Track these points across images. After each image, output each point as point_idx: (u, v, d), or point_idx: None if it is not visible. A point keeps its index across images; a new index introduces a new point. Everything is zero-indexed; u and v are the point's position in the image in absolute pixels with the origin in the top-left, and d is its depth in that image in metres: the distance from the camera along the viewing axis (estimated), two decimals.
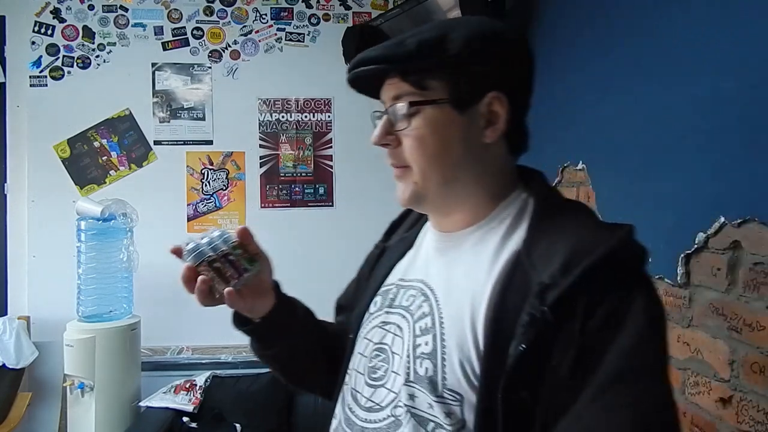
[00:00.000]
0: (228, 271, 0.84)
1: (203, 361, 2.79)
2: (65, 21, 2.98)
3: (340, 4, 3.13)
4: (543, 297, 0.65)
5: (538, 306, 0.65)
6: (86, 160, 3.01)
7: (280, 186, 3.12)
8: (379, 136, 0.79)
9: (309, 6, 3.12)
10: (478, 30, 0.76)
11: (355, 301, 0.96)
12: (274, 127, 3.11)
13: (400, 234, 0.96)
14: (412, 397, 0.74)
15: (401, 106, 0.76)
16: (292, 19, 3.12)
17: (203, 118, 3.08)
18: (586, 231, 0.70)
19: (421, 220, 0.93)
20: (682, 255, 1.38)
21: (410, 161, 0.78)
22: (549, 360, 0.64)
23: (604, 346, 0.63)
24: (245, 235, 0.85)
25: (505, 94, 0.77)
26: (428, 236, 0.88)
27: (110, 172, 3.03)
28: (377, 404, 0.78)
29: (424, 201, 0.80)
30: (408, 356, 0.76)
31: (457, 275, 0.78)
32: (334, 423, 0.86)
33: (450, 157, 0.77)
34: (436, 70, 0.75)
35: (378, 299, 0.88)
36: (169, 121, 3.06)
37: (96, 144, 3.01)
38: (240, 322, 0.92)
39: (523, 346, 0.64)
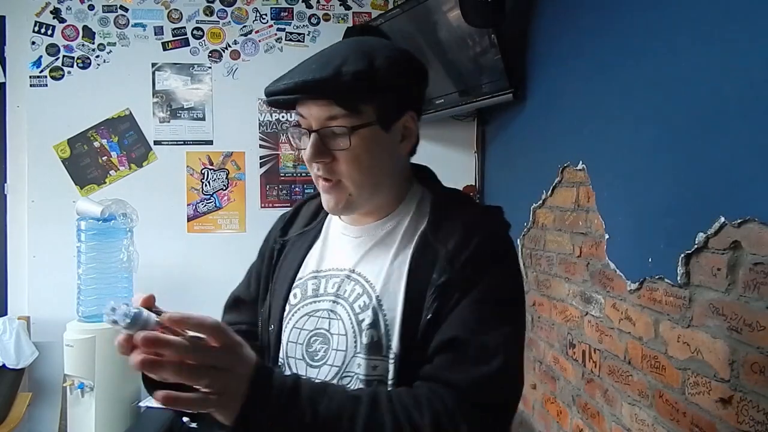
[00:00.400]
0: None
1: None
2: (65, 21, 2.98)
3: (340, 4, 3.13)
4: (452, 261, 0.85)
5: (447, 268, 0.85)
6: (86, 160, 3.01)
7: (280, 186, 3.12)
8: (316, 154, 0.86)
9: (309, 6, 3.12)
10: (394, 57, 0.88)
11: (262, 295, 1.03)
12: (274, 127, 3.11)
13: (298, 229, 1.05)
14: (358, 365, 0.87)
15: (339, 129, 0.84)
16: (292, 19, 3.12)
17: (203, 118, 3.08)
18: (473, 214, 0.93)
19: (320, 215, 1.04)
20: (682, 255, 1.38)
21: (345, 176, 0.88)
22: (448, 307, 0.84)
23: (475, 286, 0.85)
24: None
25: (415, 111, 0.93)
26: (335, 229, 1.01)
27: (110, 172, 3.03)
28: (322, 381, 0.86)
29: (355, 208, 0.92)
30: (353, 330, 0.89)
31: (380, 258, 0.92)
32: None
33: (379, 169, 0.90)
34: (367, 96, 0.85)
35: (297, 291, 0.97)
36: (169, 121, 3.06)
37: (96, 144, 3.01)
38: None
39: (430, 314, 0.83)
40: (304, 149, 0.88)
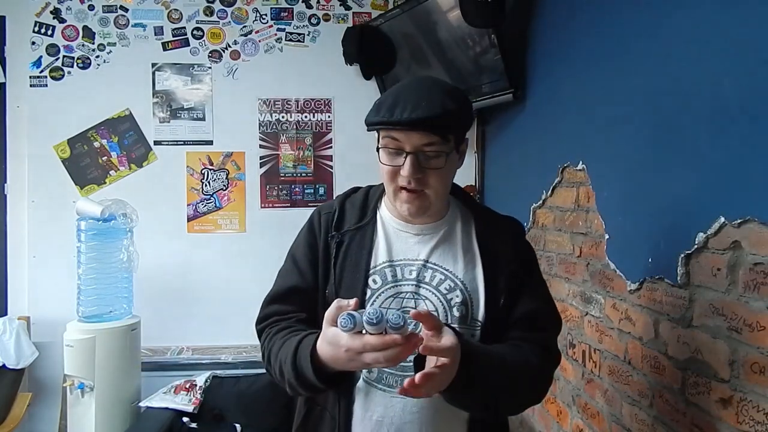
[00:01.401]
0: None
1: (203, 362, 2.79)
2: (65, 21, 2.98)
3: (340, 4, 3.13)
4: (514, 255, 1.18)
5: (513, 261, 1.17)
6: (86, 161, 3.01)
7: (280, 186, 3.12)
8: (415, 171, 1.08)
9: (309, 6, 3.12)
10: (464, 96, 1.14)
11: (322, 282, 1.17)
12: (274, 127, 3.11)
13: (351, 224, 1.20)
14: None
15: (434, 153, 1.08)
16: (292, 20, 3.12)
17: (203, 118, 3.08)
18: (504, 219, 1.27)
19: (369, 212, 1.21)
20: (682, 255, 1.38)
21: (431, 188, 1.10)
22: (516, 290, 1.17)
23: (530, 276, 1.21)
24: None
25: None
26: (390, 225, 1.20)
27: (110, 172, 3.03)
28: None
29: (426, 212, 1.15)
30: (444, 307, 1.12)
31: (451, 252, 1.17)
32: (373, 375, 1.11)
33: (450, 183, 1.18)
34: (453, 127, 1.09)
35: (376, 277, 1.14)
36: (169, 122, 3.06)
37: (96, 144, 3.01)
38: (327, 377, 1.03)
39: (504, 295, 1.14)
40: (397, 166, 1.09)
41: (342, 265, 1.16)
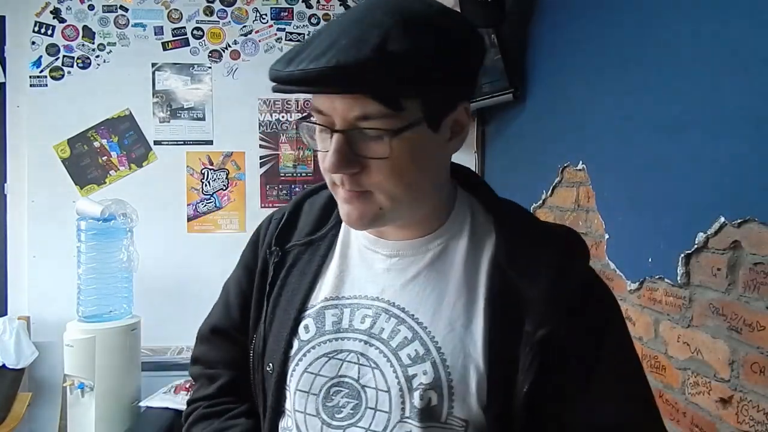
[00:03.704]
0: None
1: None
2: (65, 21, 2.98)
3: (340, 4, 3.12)
4: (551, 307, 0.67)
5: (547, 317, 0.67)
6: (86, 160, 3.01)
7: (281, 186, 3.12)
8: (341, 163, 0.64)
9: (309, 6, 3.11)
10: (448, 26, 0.65)
11: (253, 322, 0.82)
12: (274, 127, 3.11)
13: (303, 235, 0.81)
14: None
15: (374, 132, 0.63)
16: (292, 19, 3.11)
17: (203, 118, 3.08)
18: (554, 239, 0.74)
19: (332, 217, 0.80)
20: (682, 255, 1.38)
21: (377, 187, 0.66)
22: (553, 374, 0.67)
23: (599, 351, 0.70)
24: None
25: (468, 101, 0.71)
26: (358, 240, 0.78)
27: (110, 172, 3.03)
28: None
29: (385, 222, 0.71)
30: (399, 387, 0.69)
31: (435, 291, 0.72)
32: None
33: (423, 179, 0.69)
34: (415, 87, 0.63)
35: (309, 323, 0.75)
36: (169, 121, 3.06)
37: (96, 144, 3.01)
38: None
39: (531, 380, 0.66)
40: (323, 152, 0.67)
41: (276, 299, 0.79)
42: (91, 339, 2.46)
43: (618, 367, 0.71)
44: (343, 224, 0.79)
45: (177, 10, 3.05)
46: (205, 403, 0.84)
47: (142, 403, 2.54)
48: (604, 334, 0.70)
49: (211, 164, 3.09)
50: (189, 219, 3.07)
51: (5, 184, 2.98)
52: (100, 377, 2.46)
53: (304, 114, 0.63)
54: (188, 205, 3.07)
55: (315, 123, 0.66)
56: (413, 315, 0.71)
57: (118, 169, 3.04)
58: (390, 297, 0.73)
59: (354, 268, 0.77)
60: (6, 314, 2.89)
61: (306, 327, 0.75)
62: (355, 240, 0.79)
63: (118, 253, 2.61)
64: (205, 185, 3.08)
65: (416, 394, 0.68)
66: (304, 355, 0.74)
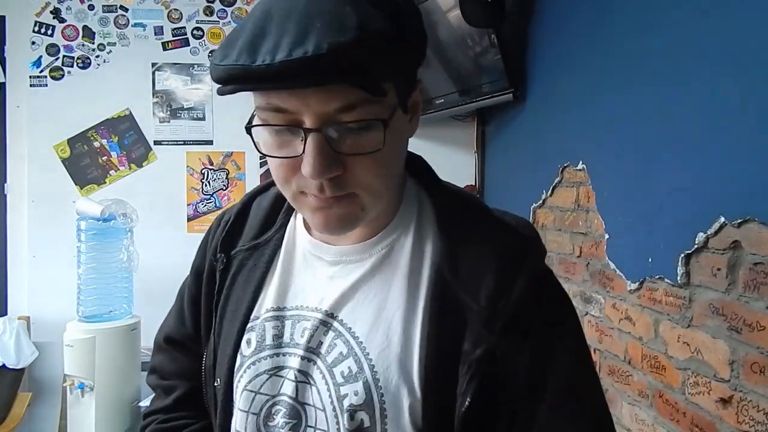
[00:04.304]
0: None
1: None
2: (65, 21, 2.98)
3: None
4: (491, 323, 0.61)
5: (485, 334, 0.61)
6: (86, 160, 3.01)
7: None
8: (325, 167, 0.55)
9: None
10: (396, 2, 0.58)
11: (204, 333, 0.76)
12: None
13: (248, 239, 0.75)
14: None
15: (361, 124, 0.56)
16: None
17: (203, 118, 3.08)
18: (500, 235, 0.66)
19: (279, 219, 0.74)
20: (682, 255, 1.38)
21: (363, 187, 0.59)
22: (494, 393, 0.61)
23: (545, 369, 0.62)
24: None
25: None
26: (302, 245, 0.71)
27: (110, 172, 3.03)
28: None
29: (360, 224, 0.64)
30: (333, 409, 0.64)
31: (374, 302, 0.65)
32: None
33: (400, 168, 0.64)
34: (392, 69, 0.56)
35: (251, 336, 0.69)
36: (169, 121, 3.06)
37: (96, 144, 3.01)
38: None
39: (468, 400, 0.60)
40: (292, 158, 0.58)
41: (223, 309, 0.73)
42: (91, 339, 2.46)
43: (568, 384, 0.62)
44: (288, 227, 0.74)
45: (177, 10, 3.05)
46: (162, 416, 0.80)
47: (142, 403, 2.54)
48: (550, 352, 0.62)
49: (211, 164, 3.09)
50: (189, 219, 3.07)
51: (5, 184, 2.98)
52: (100, 377, 2.46)
53: (251, 116, 0.58)
54: (188, 205, 3.07)
55: (279, 125, 0.57)
56: (350, 328, 0.65)
57: (118, 169, 3.04)
58: (329, 308, 0.67)
59: (297, 276, 0.71)
60: (6, 314, 2.89)
61: (248, 341, 0.70)
62: (300, 244, 0.72)
63: (118, 253, 2.61)
64: (205, 185, 3.08)
65: (346, 416, 0.63)
66: (245, 371, 0.69)
